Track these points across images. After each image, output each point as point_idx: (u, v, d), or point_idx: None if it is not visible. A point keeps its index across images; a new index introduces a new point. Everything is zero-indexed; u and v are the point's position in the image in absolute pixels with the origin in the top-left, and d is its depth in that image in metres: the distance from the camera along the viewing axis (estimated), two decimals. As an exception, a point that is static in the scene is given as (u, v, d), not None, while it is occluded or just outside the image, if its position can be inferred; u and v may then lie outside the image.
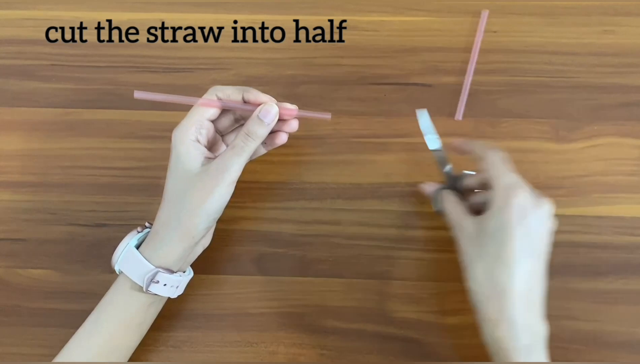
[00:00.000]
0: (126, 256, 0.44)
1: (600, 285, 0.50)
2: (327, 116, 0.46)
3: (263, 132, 0.43)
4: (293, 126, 0.46)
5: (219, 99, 0.44)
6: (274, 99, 0.45)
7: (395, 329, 0.50)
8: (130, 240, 0.44)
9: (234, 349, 0.49)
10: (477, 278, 0.41)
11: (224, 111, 0.46)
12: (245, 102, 0.45)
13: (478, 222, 0.42)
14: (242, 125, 0.45)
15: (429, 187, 0.49)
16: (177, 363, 0.49)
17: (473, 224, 0.42)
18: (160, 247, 0.43)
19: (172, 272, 0.44)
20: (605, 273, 0.50)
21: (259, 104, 0.44)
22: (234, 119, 0.47)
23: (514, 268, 0.40)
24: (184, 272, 0.46)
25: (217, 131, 0.47)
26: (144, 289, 0.43)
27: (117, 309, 0.44)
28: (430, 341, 0.49)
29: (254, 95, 0.44)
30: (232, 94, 0.44)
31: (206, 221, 0.43)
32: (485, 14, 0.46)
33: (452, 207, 0.45)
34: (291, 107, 0.45)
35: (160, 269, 0.43)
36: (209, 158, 0.44)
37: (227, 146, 0.48)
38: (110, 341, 0.44)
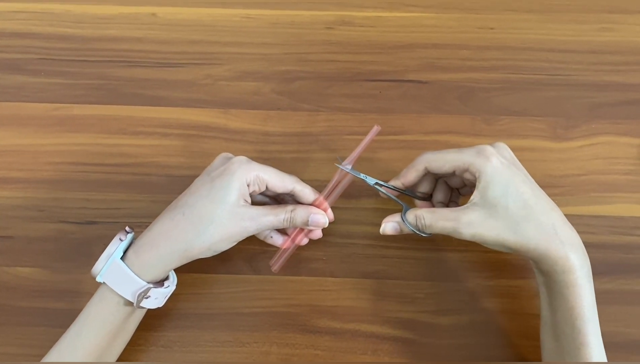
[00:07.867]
0: (113, 270, 0.42)
1: (596, 285, 0.49)
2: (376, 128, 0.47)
3: (303, 225, 0.46)
4: (315, 234, 0.49)
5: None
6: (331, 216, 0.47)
7: (390, 329, 0.49)
8: (114, 250, 0.42)
9: (226, 349, 0.49)
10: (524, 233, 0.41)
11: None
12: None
13: (475, 205, 0.41)
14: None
15: (391, 224, 0.45)
16: (167, 362, 0.48)
17: (473, 210, 0.41)
18: (156, 264, 0.42)
19: (162, 285, 0.44)
20: (601, 272, 0.50)
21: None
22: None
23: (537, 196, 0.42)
24: (167, 278, 0.45)
25: None
26: (135, 305, 0.42)
27: (103, 322, 0.43)
28: (425, 341, 0.49)
29: (323, 204, 0.47)
30: (309, 194, 0.46)
31: (207, 253, 0.43)
32: (376, 128, 0.47)
33: (436, 217, 0.43)
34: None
35: (151, 285, 0.42)
36: (246, 200, 0.44)
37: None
38: (95, 351, 0.42)
